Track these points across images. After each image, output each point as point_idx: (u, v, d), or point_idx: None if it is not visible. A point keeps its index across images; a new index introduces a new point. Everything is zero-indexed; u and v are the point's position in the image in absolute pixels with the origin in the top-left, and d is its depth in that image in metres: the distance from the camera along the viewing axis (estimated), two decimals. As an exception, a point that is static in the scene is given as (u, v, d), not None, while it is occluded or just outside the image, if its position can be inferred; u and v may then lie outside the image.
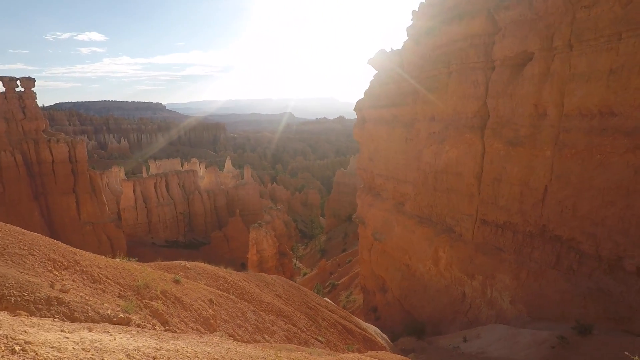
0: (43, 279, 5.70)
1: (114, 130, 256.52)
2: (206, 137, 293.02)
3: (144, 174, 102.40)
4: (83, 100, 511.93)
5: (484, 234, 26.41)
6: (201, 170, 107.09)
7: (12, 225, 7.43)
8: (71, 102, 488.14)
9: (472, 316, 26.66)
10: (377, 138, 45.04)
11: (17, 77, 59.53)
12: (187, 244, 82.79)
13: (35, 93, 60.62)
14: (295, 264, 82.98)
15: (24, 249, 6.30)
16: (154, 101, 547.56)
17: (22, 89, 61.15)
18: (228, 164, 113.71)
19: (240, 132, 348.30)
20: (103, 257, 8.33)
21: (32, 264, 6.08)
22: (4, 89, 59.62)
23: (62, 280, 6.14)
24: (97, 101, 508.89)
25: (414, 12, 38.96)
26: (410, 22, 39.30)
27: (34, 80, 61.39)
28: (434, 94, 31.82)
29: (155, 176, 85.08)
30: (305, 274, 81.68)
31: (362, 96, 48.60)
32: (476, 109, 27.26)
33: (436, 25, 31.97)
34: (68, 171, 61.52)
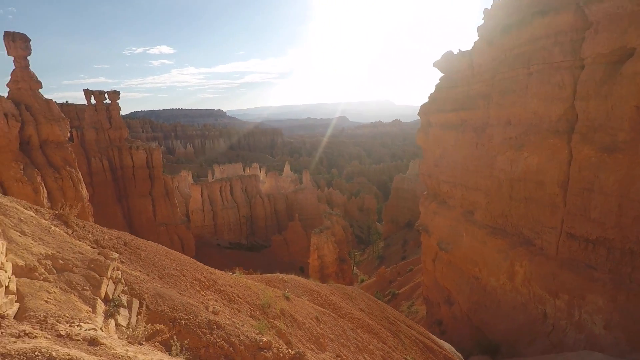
0: (197, 300, 6.04)
1: (181, 137, 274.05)
2: (264, 142, 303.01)
3: (209, 178, 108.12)
4: (154, 109, 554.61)
5: (571, 249, 24.06)
6: (261, 174, 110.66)
7: (162, 246, 8.01)
8: (144, 110, 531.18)
9: (556, 339, 24.37)
10: (443, 143, 43.28)
11: (105, 90, 66.26)
12: (249, 247, 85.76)
13: (119, 105, 67.08)
14: (353, 270, 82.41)
15: (176, 270, 6.75)
16: (215, 108, 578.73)
17: (109, 101, 67.73)
18: (287, 168, 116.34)
19: (296, 136, 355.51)
20: (228, 273, 8.72)
21: (185, 285, 6.49)
22: (94, 102, 66.51)
23: (209, 300, 6.49)
24: (166, 109, 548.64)
25: (485, 10, 37.01)
26: (482, 22, 37.39)
27: (118, 93, 67.88)
28: (511, 97, 29.82)
29: (221, 180, 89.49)
30: (362, 281, 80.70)
31: (422, 99, 47.12)
32: (561, 112, 25.03)
33: (513, 24, 29.99)
34: (146, 176, 66.90)
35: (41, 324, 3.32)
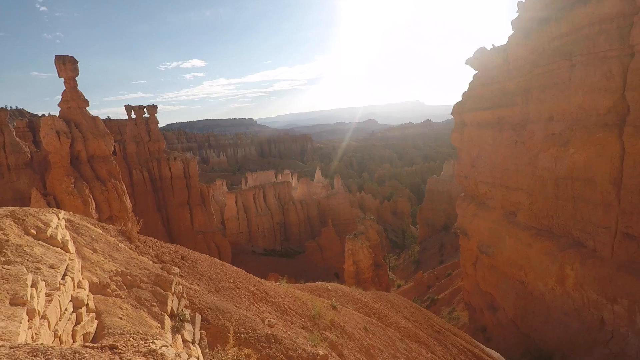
0: (252, 313, 6.14)
1: (214, 146, 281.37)
2: (294, 148, 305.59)
3: (243, 186, 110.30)
4: (188, 120, 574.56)
5: (629, 250, 22.51)
6: (293, 181, 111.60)
7: (215, 259, 8.24)
8: (178, 122, 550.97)
9: (617, 348, 22.79)
10: (479, 142, 41.93)
11: (143, 105, 69.52)
12: (284, 253, 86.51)
13: (157, 118, 70.11)
14: (389, 276, 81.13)
15: (230, 282, 6.92)
16: (246, 117, 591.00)
17: (148, 115, 70.94)
18: (318, 174, 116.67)
19: (326, 141, 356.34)
20: (276, 284, 8.83)
21: (240, 298, 6.63)
22: (134, 116, 69.88)
23: (263, 312, 6.58)
24: (199, 120, 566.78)
25: (520, 3, 35.68)
26: (516, 15, 36.09)
27: (156, 107, 71.04)
28: (552, 91, 28.47)
29: (254, 188, 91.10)
30: (399, 286, 79.23)
31: (453, 98, 45.99)
32: (610, 104, 23.61)
33: (552, 14, 28.71)
34: (183, 185, 69.30)
35: (120, 341, 3.43)
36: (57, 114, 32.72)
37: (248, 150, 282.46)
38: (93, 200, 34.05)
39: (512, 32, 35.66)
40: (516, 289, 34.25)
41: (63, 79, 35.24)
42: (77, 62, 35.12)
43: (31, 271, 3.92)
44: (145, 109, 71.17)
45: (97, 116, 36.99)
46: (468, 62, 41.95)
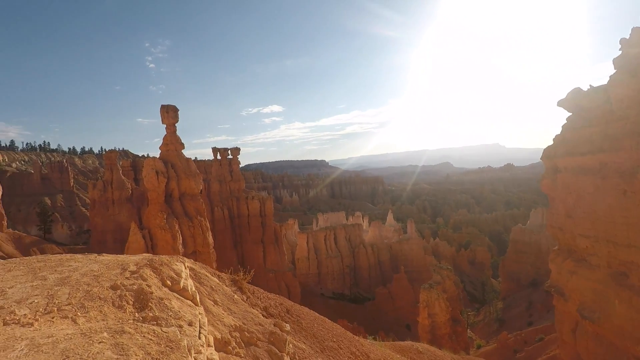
0: None
1: (287, 186, 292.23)
2: (365, 190, 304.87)
3: (314, 226, 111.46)
4: (263, 161, 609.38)
5: None
6: (364, 223, 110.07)
7: (313, 312, 8.21)
8: (256, 163, 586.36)
9: None
10: (577, 190, 37.72)
11: (228, 147, 75.69)
12: (353, 298, 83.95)
13: (239, 159, 75.50)
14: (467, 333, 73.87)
15: (333, 342, 6.77)
16: (319, 159, 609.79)
17: (231, 157, 76.71)
18: (390, 217, 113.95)
19: (397, 184, 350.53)
20: (371, 342, 8.43)
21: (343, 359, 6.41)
22: (219, 157, 76.06)
23: None
24: (274, 161, 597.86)
25: (623, 40, 32.86)
26: (618, 52, 33.14)
27: (239, 149, 76.79)
28: (671, 136, 24.94)
29: (325, 229, 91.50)
30: (479, 347, 71.52)
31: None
32: None
33: (665, 52, 25.81)
34: (258, 224, 72.14)
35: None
36: (154, 154, 36.68)
37: (319, 190, 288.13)
38: (180, 235, 36.71)
39: (615, 70, 32.64)
40: (633, 366, 28.78)
41: (165, 125, 39.83)
42: (178, 110, 39.65)
43: (177, 329, 4.03)
44: (229, 151, 77.09)
45: (190, 158, 40.82)
46: (560, 103, 38.99)
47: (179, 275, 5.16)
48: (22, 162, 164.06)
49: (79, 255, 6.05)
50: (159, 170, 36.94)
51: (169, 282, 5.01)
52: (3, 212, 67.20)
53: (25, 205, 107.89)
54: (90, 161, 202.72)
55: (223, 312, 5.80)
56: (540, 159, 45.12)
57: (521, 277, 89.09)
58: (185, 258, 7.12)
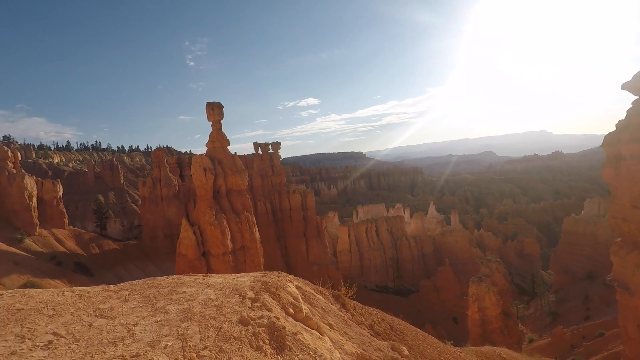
0: None
1: (325, 179, 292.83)
2: (403, 181, 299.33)
3: (354, 218, 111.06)
4: (301, 155, 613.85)
5: None
6: (405, 215, 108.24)
7: (412, 326, 8.05)
8: (293, 156, 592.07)
9: None
10: (645, 179, 34.80)
11: (268, 142, 76.74)
12: (396, 290, 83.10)
13: (279, 154, 76.40)
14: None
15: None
16: (355, 150, 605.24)
17: (272, 151, 77.78)
18: (432, 208, 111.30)
19: (437, 174, 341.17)
20: (459, 349, 8.17)
21: None
22: (260, 152, 77.37)
23: None
24: (311, 154, 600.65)
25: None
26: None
27: (279, 144, 77.65)
28: None
29: (366, 222, 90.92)
30: (531, 340, 68.69)
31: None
32: None
33: None
34: (300, 217, 72.89)
35: None
36: (196, 151, 37.81)
37: (357, 182, 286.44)
38: (229, 231, 37.77)
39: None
40: None
41: (211, 122, 40.90)
42: (223, 107, 40.56)
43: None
44: (270, 146, 78.16)
45: (236, 154, 41.78)
46: (625, 86, 35.97)
47: (296, 299, 5.07)
48: (77, 162, 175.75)
49: (186, 278, 6.08)
50: (207, 167, 38.07)
51: (291, 310, 4.90)
52: (64, 211, 72.24)
53: (82, 202, 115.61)
54: (137, 159, 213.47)
55: (341, 337, 5.61)
56: (601, 146, 42.00)
57: (575, 269, 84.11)
58: (289, 275, 7.10)
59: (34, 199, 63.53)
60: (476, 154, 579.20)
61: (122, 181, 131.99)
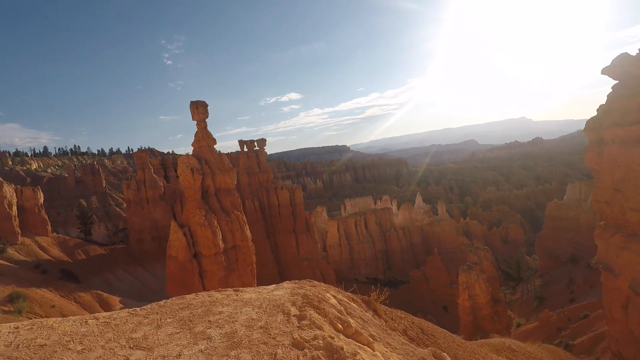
0: None
1: (311, 173, 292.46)
2: (389, 173, 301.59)
3: (342, 212, 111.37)
4: (285, 150, 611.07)
5: None
6: (393, 206, 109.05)
7: (440, 328, 7.96)
8: (277, 152, 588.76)
9: None
10: (626, 163, 35.83)
11: (254, 139, 76.05)
12: (387, 282, 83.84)
13: (265, 151, 75.85)
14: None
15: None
16: (340, 144, 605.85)
17: (258, 148, 77.13)
18: (419, 199, 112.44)
19: (422, 165, 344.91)
20: (472, 342, 8.11)
21: None
22: (246, 149, 76.63)
23: None
24: (296, 149, 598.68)
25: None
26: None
27: (265, 140, 77.02)
28: None
29: (355, 215, 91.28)
30: (519, 325, 70.38)
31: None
32: None
33: None
34: (289, 213, 72.64)
35: None
36: (179, 151, 37.06)
37: (343, 176, 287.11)
38: (220, 231, 37.27)
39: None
40: (698, 344, 27.49)
41: (196, 121, 40.12)
42: (208, 105, 39.79)
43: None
44: (255, 143, 77.44)
45: (223, 153, 41.13)
46: (605, 71, 36.77)
47: (341, 313, 4.88)
48: (57, 167, 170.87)
49: (217, 295, 5.72)
50: (194, 168, 37.41)
51: (340, 326, 4.69)
52: (46, 218, 70.19)
53: (64, 208, 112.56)
54: (119, 161, 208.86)
55: (385, 349, 5.41)
56: (583, 131, 43.01)
57: (559, 253, 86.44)
58: (322, 284, 6.85)
59: (14, 207, 61.68)
60: (459, 142, 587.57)
61: (104, 185, 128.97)
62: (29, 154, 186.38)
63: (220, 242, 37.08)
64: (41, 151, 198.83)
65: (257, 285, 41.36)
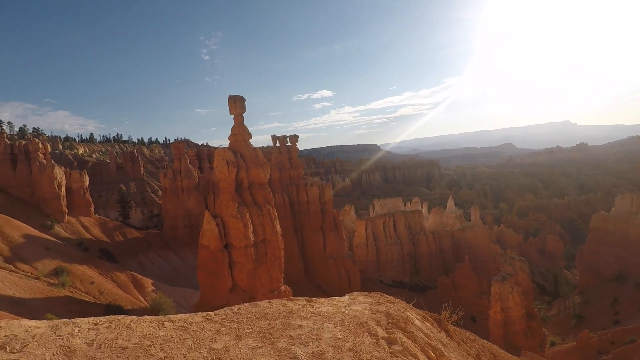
0: None
1: (340, 171, 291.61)
2: (419, 174, 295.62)
3: (370, 212, 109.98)
4: (315, 147, 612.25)
5: None
6: (423, 209, 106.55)
7: (501, 349, 7.29)
8: (307, 149, 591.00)
9: None
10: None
11: (283, 134, 76.31)
12: (413, 286, 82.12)
13: (297, 147, 75.82)
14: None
15: None
16: (370, 143, 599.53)
17: (290, 144, 77.28)
18: (450, 203, 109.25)
19: (454, 167, 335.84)
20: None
21: None
22: (278, 144, 76.96)
23: None
24: (325, 147, 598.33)
25: None
26: None
27: (297, 136, 77.03)
28: None
29: (384, 216, 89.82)
30: (554, 344, 66.87)
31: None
32: None
33: None
34: (318, 210, 72.40)
35: None
36: (213, 143, 37.34)
37: (372, 175, 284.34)
38: (251, 224, 37.42)
39: None
40: None
41: (233, 115, 40.40)
42: (245, 100, 39.97)
43: None
44: (288, 139, 77.60)
45: (257, 148, 41.26)
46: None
47: (429, 337, 4.53)
48: (100, 153, 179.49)
49: (292, 305, 5.60)
50: (229, 160, 37.67)
51: (432, 354, 4.34)
52: (90, 200, 73.78)
53: (105, 192, 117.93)
54: (156, 150, 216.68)
55: None
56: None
57: (603, 269, 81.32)
58: (402, 302, 6.43)
59: (63, 188, 65.62)
60: (495, 146, 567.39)
61: (142, 172, 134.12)
62: (77, 140, 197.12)
63: (251, 234, 37.21)
64: (88, 137, 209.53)
65: (282, 279, 41.28)
